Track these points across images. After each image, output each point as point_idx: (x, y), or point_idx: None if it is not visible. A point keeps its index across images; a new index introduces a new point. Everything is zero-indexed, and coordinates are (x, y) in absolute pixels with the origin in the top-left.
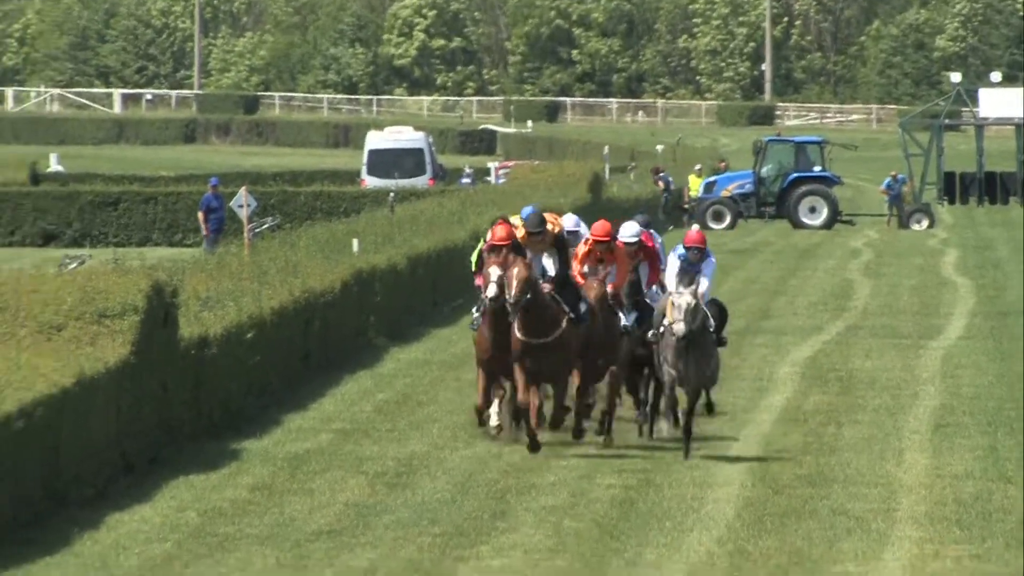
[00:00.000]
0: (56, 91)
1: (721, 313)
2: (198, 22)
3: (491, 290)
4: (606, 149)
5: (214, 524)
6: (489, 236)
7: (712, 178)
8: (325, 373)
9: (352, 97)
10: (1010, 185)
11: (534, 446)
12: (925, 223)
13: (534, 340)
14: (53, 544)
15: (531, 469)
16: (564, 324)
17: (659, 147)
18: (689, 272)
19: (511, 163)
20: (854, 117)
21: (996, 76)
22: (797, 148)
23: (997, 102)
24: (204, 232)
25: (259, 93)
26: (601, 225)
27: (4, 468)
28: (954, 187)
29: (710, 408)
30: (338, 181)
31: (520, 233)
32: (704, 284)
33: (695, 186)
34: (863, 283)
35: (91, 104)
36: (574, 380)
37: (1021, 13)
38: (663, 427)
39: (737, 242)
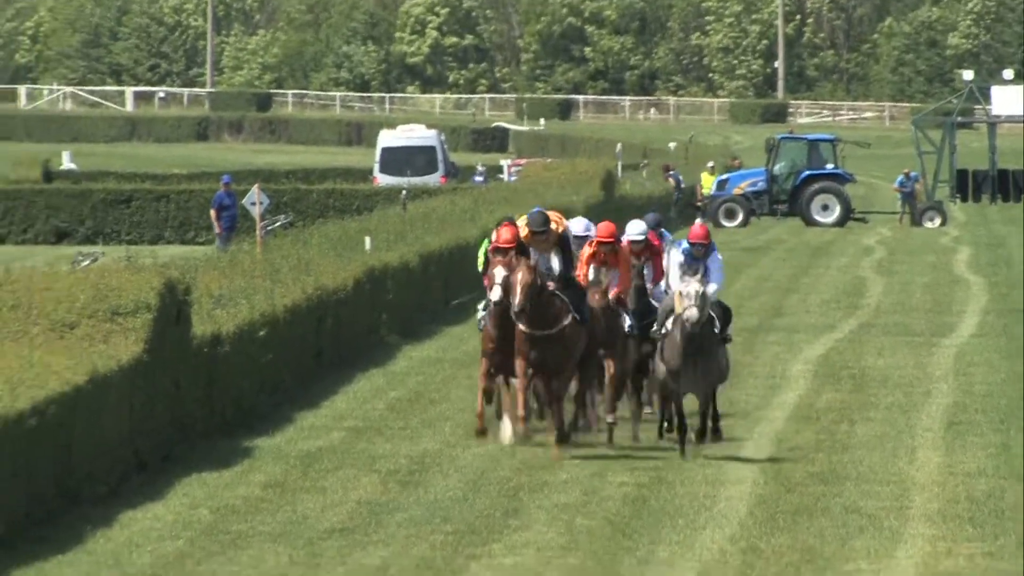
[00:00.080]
0: (69, 89)
1: (725, 313)
2: (210, 20)
3: (495, 293)
4: (619, 147)
5: (227, 522)
6: (494, 237)
7: (725, 176)
8: (337, 371)
9: (364, 95)
10: (1022, 182)
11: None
12: (938, 221)
13: (537, 332)
14: (66, 542)
15: (543, 467)
16: (567, 319)
17: (671, 144)
18: (694, 265)
19: (523, 161)
20: (867, 115)
21: (1008, 73)
22: (810, 146)
23: (1009, 99)
24: (217, 230)
25: (271, 91)
26: (605, 226)
27: (17, 466)
28: (966, 185)
29: (705, 433)
30: (350, 179)
31: (524, 232)
32: (713, 288)
33: (707, 184)
34: (876, 281)
35: (103, 102)
36: (574, 385)
37: None
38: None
39: (749, 240)
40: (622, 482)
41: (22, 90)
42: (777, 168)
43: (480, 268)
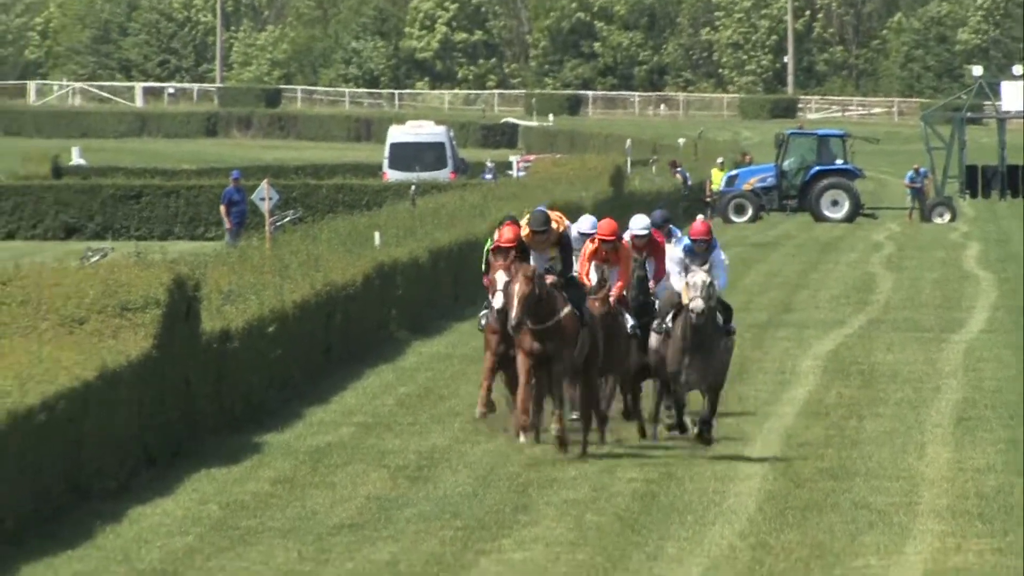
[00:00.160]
0: (78, 85)
1: (726, 310)
2: (220, 15)
3: (498, 300)
4: (628, 142)
5: (236, 517)
6: (496, 236)
7: (734, 171)
8: (347, 366)
9: (374, 91)
10: None
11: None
12: (947, 216)
13: (536, 326)
14: (75, 537)
15: (552, 463)
16: (564, 311)
17: (681, 140)
18: (697, 259)
19: (532, 157)
20: (876, 110)
21: (1018, 69)
22: (819, 141)
23: (1019, 95)
24: (227, 225)
25: (281, 87)
26: (607, 224)
27: (26, 461)
28: (976, 180)
29: (702, 431)
30: (360, 174)
31: (525, 232)
32: (719, 281)
33: (717, 179)
34: (885, 276)
35: (113, 98)
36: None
37: None
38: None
39: (759, 235)
40: (631, 478)
41: (31, 86)
42: (786, 164)
43: (483, 268)
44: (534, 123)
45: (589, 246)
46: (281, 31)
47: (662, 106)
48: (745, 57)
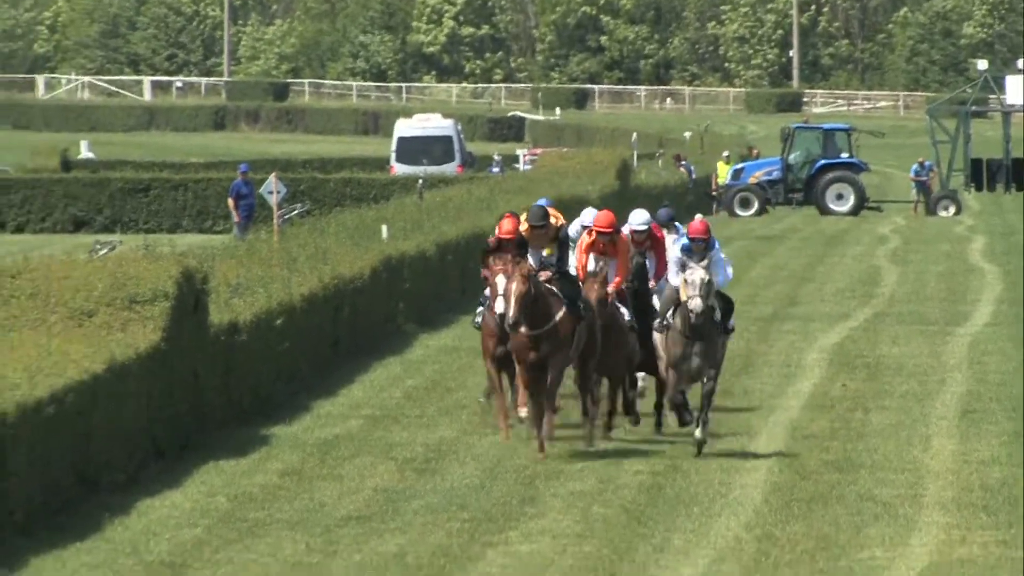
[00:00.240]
0: (87, 78)
1: (727, 304)
2: (227, 9)
3: (499, 305)
4: (634, 136)
5: (244, 509)
6: (497, 231)
7: (740, 165)
8: (354, 359)
9: (381, 84)
10: None
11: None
12: (952, 210)
13: (531, 332)
14: (84, 530)
15: (559, 455)
16: (559, 314)
17: (687, 134)
18: (695, 259)
19: (539, 150)
20: (881, 104)
21: (1023, 63)
22: (825, 135)
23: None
24: (235, 219)
25: (288, 80)
26: (604, 216)
27: (35, 454)
28: (981, 174)
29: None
30: (367, 168)
31: (524, 227)
32: (719, 279)
33: (723, 173)
34: (890, 270)
35: (121, 91)
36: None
37: None
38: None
39: (765, 229)
40: (637, 470)
41: (40, 80)
42: (792, 157)
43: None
44: (541, 117)
45: (586, 238)
46: (289, 25)
47: (668, 100)
48: (751, 51)
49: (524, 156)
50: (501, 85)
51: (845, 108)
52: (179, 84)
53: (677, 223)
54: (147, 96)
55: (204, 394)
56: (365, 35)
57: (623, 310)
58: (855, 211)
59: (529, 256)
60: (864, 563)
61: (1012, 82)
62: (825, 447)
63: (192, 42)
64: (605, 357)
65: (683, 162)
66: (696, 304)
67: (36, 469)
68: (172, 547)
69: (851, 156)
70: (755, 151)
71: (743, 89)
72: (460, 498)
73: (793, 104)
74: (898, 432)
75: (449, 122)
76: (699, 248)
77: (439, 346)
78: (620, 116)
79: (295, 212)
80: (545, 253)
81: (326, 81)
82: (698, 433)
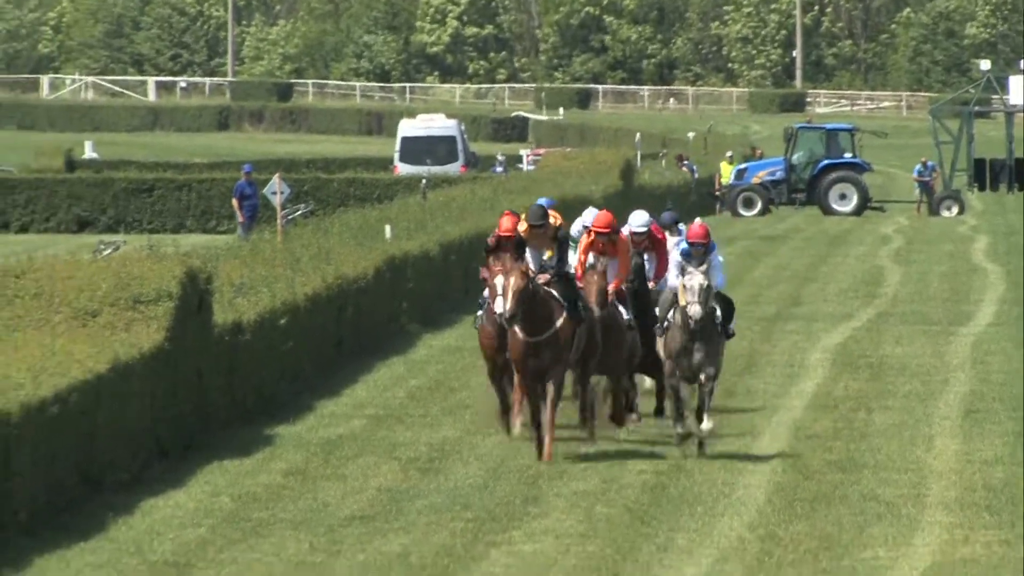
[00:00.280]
0: (91, 79)
1: (728, 307)
2: (231, 10)
3: (499, 304)
4: (637, 136)
5: (248, 509)
6: (497, 229)
7: (743, 165)
8: (358, 359)
9: (385, 85)
10: None
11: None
12: (955, 210)
13: (531, 338)
14: (88, 529)
15: (562, 455)
16: (560, 321)
17: (690, 134)
18: (694, 262)
19: (543, 150)
20: (884, 104)
21: None
22: (828, 135)
23: None
24: (239, 219)
25: (292, 81)
26: (602, 216)
27: (39, 453)
28: (984, 174)
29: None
30: (371, 168)
31: (523, 227)
32: (716, 280)
33: (726, 173)
34: (893, 270)
35: (125, 92)
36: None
37: None
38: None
39: (768, 229)
40: (641, 470)
41: (44, 80)
42: (795, 157)
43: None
44: (544, 117)
45: (584, 238)
46: (293, 25)
47: (671, 100)
48: (754, 51)
49: (527, 156)
50: (504, 85)
51: (848, 108)
52: (183, 84)
53: (681, 226)
54: (151, 96)
55: (208, 394)
56: (369, 35)
57: (622, 309)
58: (858, 211)
59: (528, 256)
60: (867, 563)
61: (1015, 82)
62: (828, 447)
63: (196, 42)
64: (605, 356)
65: (685, 162)
66: (695, 311)
67: (40, 469)
68: (176, 547)
69: (854, 156)
70: (759, 152)
71: (746, 89)
72: (464, 498)
73: (796, 104)
74: (901, 432)
75: (453, 122)
76: (698, 252)
77: (443, 346)
78: (623, 116)
79: (299, 212)
80: (547, 256)
81: (330, 81)
82: (705, 425)
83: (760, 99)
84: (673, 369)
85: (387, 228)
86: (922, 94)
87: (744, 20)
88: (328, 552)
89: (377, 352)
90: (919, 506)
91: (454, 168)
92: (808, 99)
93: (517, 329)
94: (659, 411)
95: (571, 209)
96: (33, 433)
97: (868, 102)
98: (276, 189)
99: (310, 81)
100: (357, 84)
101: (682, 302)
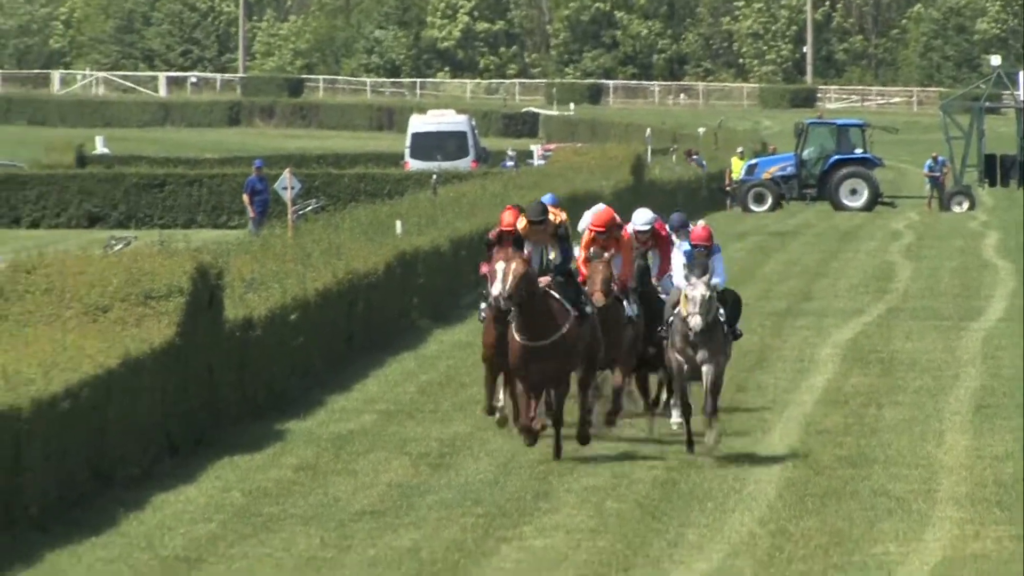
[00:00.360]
0: (102, 74)
1: (735, 304)
2: (242, 5)
3: (496, 287)
4: (648, 132)
5: (259, 504)
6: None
7: (754, 160)
8: (368, 354)
9: (395, 80)
10: None
11: (531, 440)
12: (966, 205)
13: (533, 343)
14: (99, 524)
15: (573, 450)
16: (567, 326)
17: (701, 129)
18: (697, 264)
19: (553, 146)
20: (895, 100)
21: None
22: (839, 130)
23: None
24: (250, 214)
25: (303, 76)
26: (601, 214)
27: (50, 449)
28: (995, 169)
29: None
30: (381, 164)
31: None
32: (716, 281)
33: (737, 168)
34: (904, 265)
35: (136, 87)
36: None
37: None
38: (675, 417)
39: (778, 224)
40: (652, 465)
41: (55, 75)
42: (806, 153)
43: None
44: (555, 112)
45: (586, 236)
46: (304, 21)
47: (682, 95)
48: (765, 47)
49: (538, 152)
50: (515, 81)
51: (859, 104)
52: (194, 80)
53: (690, 227)
54: (162, 92)
55: (218, 389)
56: (379, 31)
57: (625, 304)
58: (869, 207)
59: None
60: (878, 558)
61: None
62: (839, 442)
63: (207, 38)
64: (609, 349)
65: (694, 156)
66: (696, 322)
67: (51, 464)
68: (187, 542)
69: (865, 152)
70: (772, 148)
71: (757, 85)
72: (474, 493)
73: (807, 100)
74: (911, 427)
75: (463, 118)
76: (701, 255)
77: (453, 341)
78: (634, 112)
79: (309, 208)
80: (551, 256)
81: (340, 77)
82: (708, 439)
83: (770, 95)
84: (679, 367)
85: (398, 223)
86: (932, 90)
87: (755, 15)
88: (338, 547)
89: (387, 347)
90: (929, 501)
91: (465, 164)
92: (819, 95)
93: (516, 335)
94: (655, 402)
95: (581, 205)
96: (44, 428)
97: (879, 98)
98: (287, 184)
99: (321, 77)
100: (368, 80)
101: (684, 312)
